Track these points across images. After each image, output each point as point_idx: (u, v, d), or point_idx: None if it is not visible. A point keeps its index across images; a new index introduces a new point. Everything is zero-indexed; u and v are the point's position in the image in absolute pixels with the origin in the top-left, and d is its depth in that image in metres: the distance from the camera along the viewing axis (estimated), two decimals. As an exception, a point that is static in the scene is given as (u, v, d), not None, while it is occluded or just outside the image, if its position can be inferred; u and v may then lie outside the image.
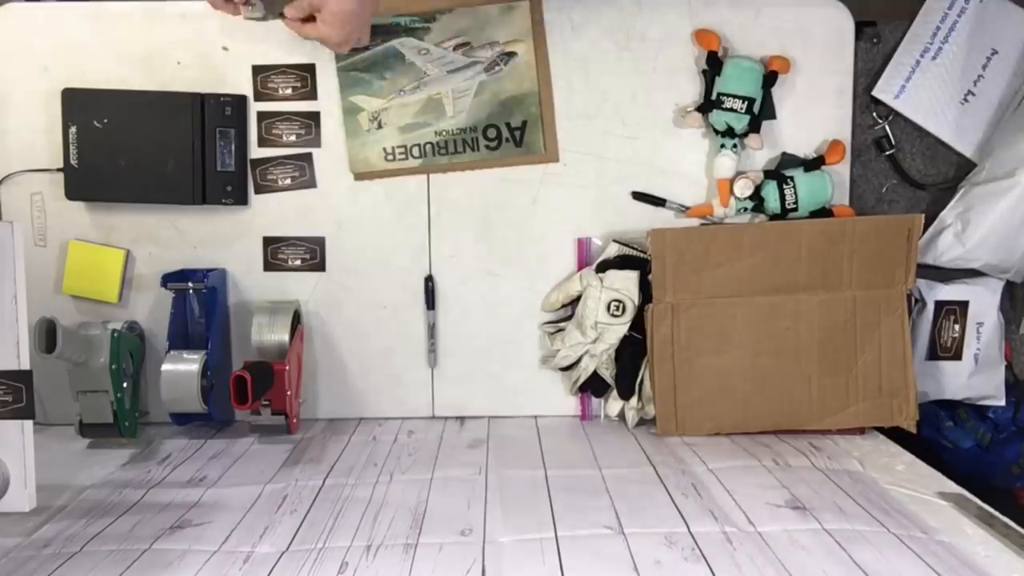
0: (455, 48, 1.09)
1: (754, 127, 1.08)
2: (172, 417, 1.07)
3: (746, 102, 1.07)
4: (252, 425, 1.05)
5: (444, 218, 1.13)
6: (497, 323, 1.15)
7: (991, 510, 0.83)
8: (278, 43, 1.10)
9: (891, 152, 1.24)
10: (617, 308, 1.08)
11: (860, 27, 1.15)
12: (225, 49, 1.10)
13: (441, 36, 1.09)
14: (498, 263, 1.14)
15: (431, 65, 1.09)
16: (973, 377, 1.21)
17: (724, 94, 1.07)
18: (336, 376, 1.15)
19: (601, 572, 0.71)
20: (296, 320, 1.10)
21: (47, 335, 0.91)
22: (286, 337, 1.05)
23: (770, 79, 1.09)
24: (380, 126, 1.11)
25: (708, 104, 1.09)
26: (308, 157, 1.12)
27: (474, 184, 1.12)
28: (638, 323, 1.08)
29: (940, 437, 1.23)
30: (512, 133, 1.11)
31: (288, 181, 1.12)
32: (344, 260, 1.14)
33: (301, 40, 1.06)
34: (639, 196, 1.13)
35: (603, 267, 1.10)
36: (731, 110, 1.07)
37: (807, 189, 1.08)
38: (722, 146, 1.09)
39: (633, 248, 1.11)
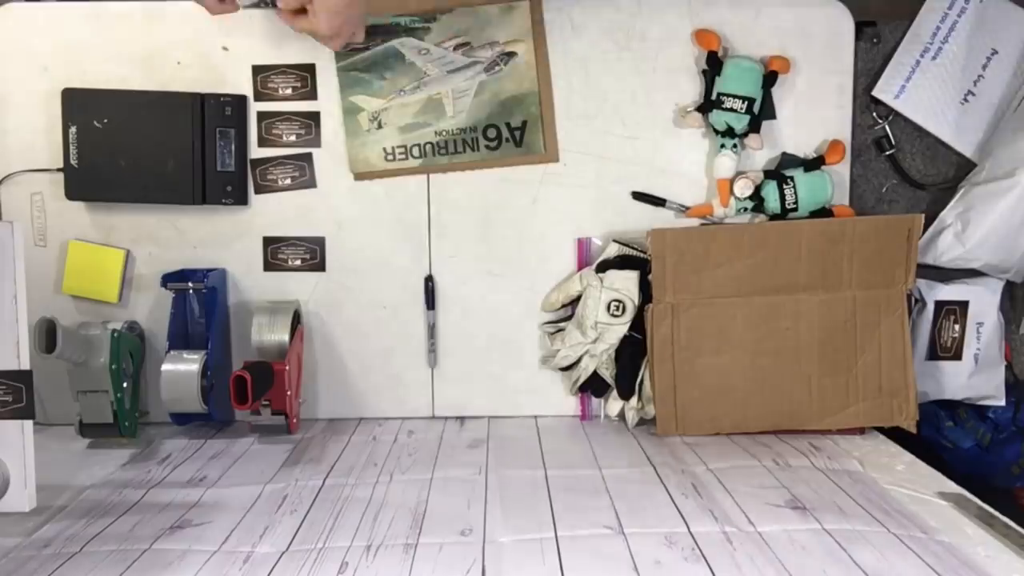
0: (455, 48, 1.09)
1: (754, 127, 1.08)
2: (172, 417, 1.07)
3: (746, 102, 1.07)
4: (252, 425, 1.05)
5: (444, 218, 1.13)
6: (497, 323, 1.15)
7: (991, 510, 0.83)
8: (278, 43, 1.10)
9: (891, 152, 1.24)
10: (617, 308, 1.08)
11: (860, 27, 1.15)
12: (225, 49, 1.10)
13: (441, 36, 1.09)
14: (498, 263, 1.14)
15: (431, 65, 1.09)
16: (973, 377, 1.21)
17: (724, 94, 1.07)
18: (336, 376, 1.15)
19: (601, 572, 0.71)
20: (296, 320, 1.10)
21: (47, 335, 0.91)
22: (286, 337, 1.05)
23: (770, 79, 1.09)
24: (380, 126, 1.11)
25: (708, 104, 1.09)
26: (308, 157, 1.12)
27: (474, 184, 1.12)
28: (638, 323, 1.08)
29: (940, 437, 1.23)
30: (512, 133, 1.11)
31: (288, 181, 1.12)
32: (344, 260, 1.14)
33: (301, 40, 1.07)
34: (639, 196, 1.13)
35: (603, 267, 1.10)
36: (731, 110, 1.07)
37: (807, 189, 1.08)
38: (722, 146, 1.09)
39: (633, 248, 1.11)
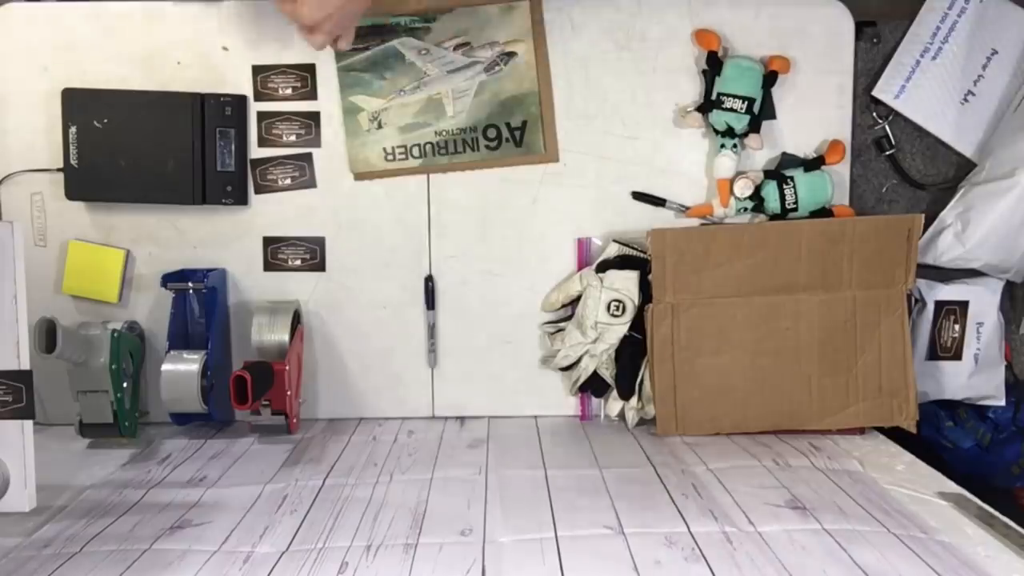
0: (455, 48, 1.09)
1: (754, 127, 1.08)
2: (172, 417, 1.07)
3: (746, 102, 1.07)
4: (252, 425, 1.05)
5: (444, 218, 1.13)
6: (497, 323, 1.15)
7: (991, 510, 0.83)
8: (278, 43, 1.10)
9: (891, 152, 1.24)
10: (617, 308, 1.08)
11: (860, 27, 1.15)
12: (225, 49, 1.10)
13: (441, 36, 1.09)
14: (498, 263, 1.14)
15: (431, 65, 1.09)
16: (973, 377, 1.21)
17: (724, 94, 1.07)
18: (336, 376, 1.15)
19: (601, 572, 0.71)
20: (296, 320, 1.10)
21: (47, 335, 0.91)
22: (286, 337, 1.05)
23: (770, 79, 1.09)
24: (380, 126, 1.11)
25: (708, 104, 1.09)
26: (308, 157, 1.12)
27: (474, 184, 1.12)
28: (638, 323, 1.08)
29: (940, 437, 1.23)
30: (512, 133, 1.11)
31: (288, 181, 1.12)
32: (344, 260, 1.14)
33: (301, 40, 1.06)
34: (639, 196, 1.13)
35: (603, 267, 1.10)
36: (731, 110, 1.07)
37: (807, 189, 1.08)
38: (722, 146, 1.09)
39: (633, 248, 1.11)
